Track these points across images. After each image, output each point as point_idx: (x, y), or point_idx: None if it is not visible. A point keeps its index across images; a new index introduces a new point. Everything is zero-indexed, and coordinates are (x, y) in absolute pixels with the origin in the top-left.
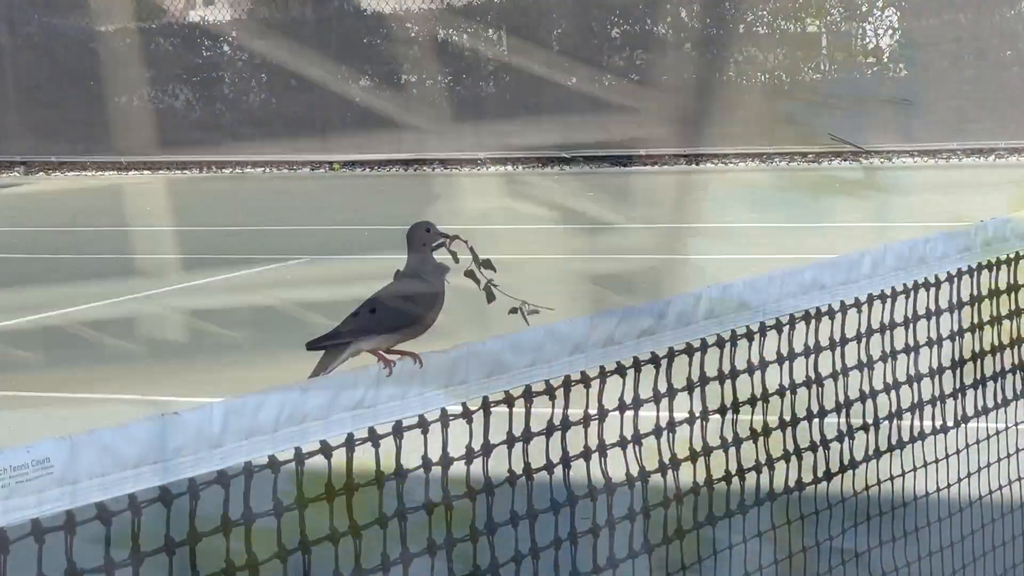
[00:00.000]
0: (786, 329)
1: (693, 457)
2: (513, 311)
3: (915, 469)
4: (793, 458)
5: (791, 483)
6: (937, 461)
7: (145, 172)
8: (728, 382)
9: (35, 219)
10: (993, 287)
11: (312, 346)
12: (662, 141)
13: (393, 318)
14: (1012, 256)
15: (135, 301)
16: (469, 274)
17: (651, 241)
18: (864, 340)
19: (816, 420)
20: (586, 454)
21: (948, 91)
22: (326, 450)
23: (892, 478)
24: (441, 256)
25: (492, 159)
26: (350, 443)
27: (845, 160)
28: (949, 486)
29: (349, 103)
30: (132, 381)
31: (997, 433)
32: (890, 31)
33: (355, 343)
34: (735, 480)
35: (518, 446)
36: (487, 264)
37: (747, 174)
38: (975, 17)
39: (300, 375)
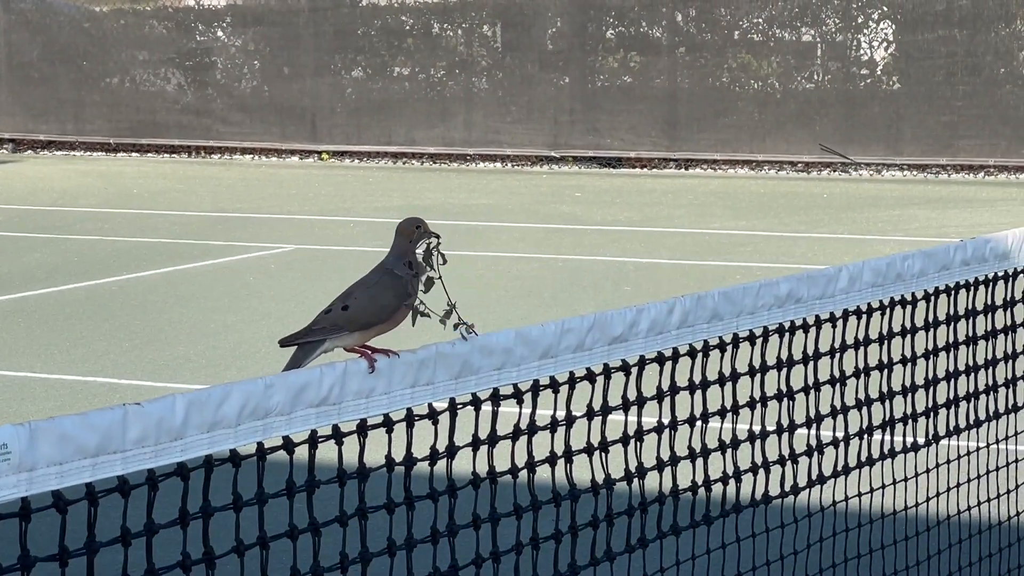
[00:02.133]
0: (759, 342)
1: (660, 467)
2: (456, 327)
3: (884, 487)
4: (761, 471)
5: (758, 496)
6: (907, 479)
7: (134, 154)
8: (698, 392)
9: (22, 197)
10: (970, 307)
11: (285, 342)
12: (652, 144)
13: (368, 315)
14: (990, 277)
15: (116, 284)
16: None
17: (634, 244)
18: (838, 355)
19: (786, 434)
20: (552, 459)
21: (940, 106)
22: (288, 446)
23: (860, 494)
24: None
25: (481, 155)
26: (313, 440)
27: (834, 171)
28: (917, 504)
29: (341, 94)
30: (105, 365)
31: (969, 453)
32: (884, 43)
33: (329, 340)
34: (701, 491)
35: (483, 449)
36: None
37: (736, 181)
38: (970, 33)
39: (277, 365)
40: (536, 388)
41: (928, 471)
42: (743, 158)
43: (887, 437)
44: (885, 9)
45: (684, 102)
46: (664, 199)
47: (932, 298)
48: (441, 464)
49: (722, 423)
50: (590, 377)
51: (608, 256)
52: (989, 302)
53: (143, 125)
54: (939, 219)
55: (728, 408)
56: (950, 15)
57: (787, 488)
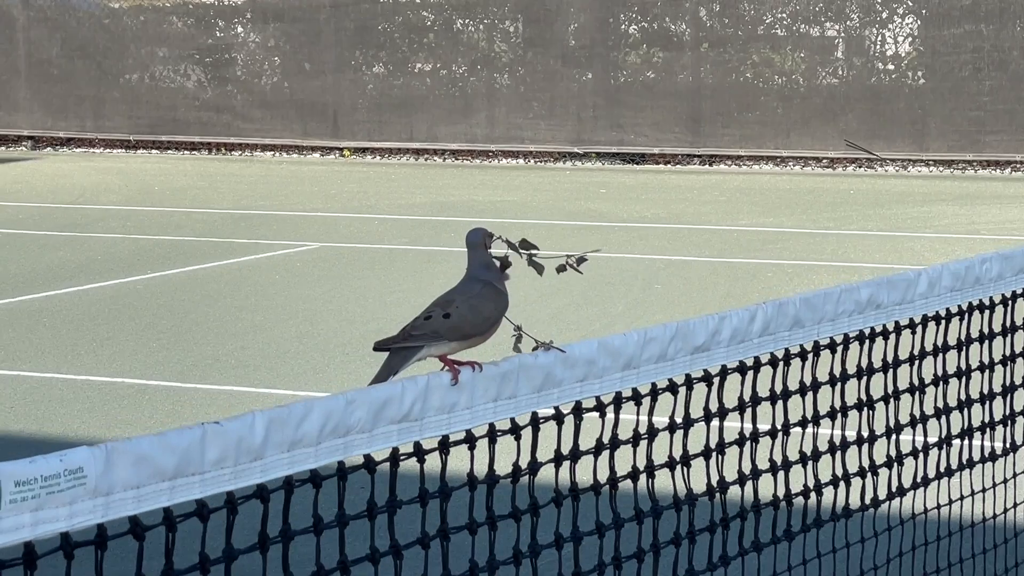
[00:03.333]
0: (839, 349)
1: (741, 480)
2: (560, 269)
3: (962, 498)
4: (842, 483)
5: (838, 509)
6: (984, 490)
7: (154, 151)
8: (779, 402)
9: (43, 195)
10: None
11: (380, 346)
12: (676, 140)
13: (469, 325)
14: None
15: (141, 283)
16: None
17: (662, 241)
18: (917, 362)
19: (866, 445)
20: (634, 474)
21: (966, 101)
22: (370, 465)
23: (939, 506)
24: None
25: (503, 152)
26: (395, 458)
27: (860, 167)
28: (995, 516)
29: (362, 90)
30: (134, 365)
31: None
32: (909, 38)
33: (426, 348)
34: (783, 505)
35: (565, 464)
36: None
37: (761, 177)
38: (996, 28)
39: (306, 366)
40: (618, 400)
41: (1006, 481)
42: (768, 154)
43: (966, 444)
44: (910, 3)
45: (708, 98)
46: (689, 195)
47: (1010, 302)
48: (523, 480)
49: (803, 434)
50: (672, 388)
51: (636, 253)
52: None
53: (163, 122)
54: (968, 215)
55: (809, 419)
56: (976, 9)
57: (867, 501)
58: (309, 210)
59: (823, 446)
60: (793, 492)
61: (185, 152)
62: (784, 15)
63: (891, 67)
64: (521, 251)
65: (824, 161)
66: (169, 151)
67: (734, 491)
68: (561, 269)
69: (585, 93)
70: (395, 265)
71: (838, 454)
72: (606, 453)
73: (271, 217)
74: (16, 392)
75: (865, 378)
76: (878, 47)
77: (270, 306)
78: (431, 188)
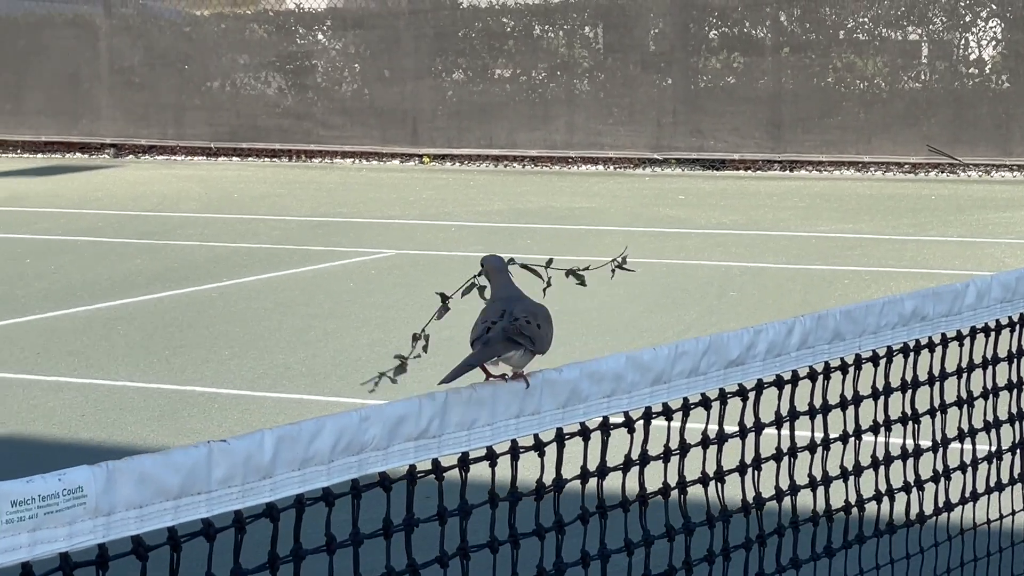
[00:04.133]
0: (883, 362)
1: (778, 496)
2: (569, 273)
3: (1013, 513)
4: (885, 499)
5: (882, 525)
6: None
7: (234, 159)
8: (819, 417)
9: (123, 203)
10: None
11: (478, 360)
12: (756, 146)
13: (546, 343)
14: None
15: (216, 291)
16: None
17: (739, 248)
18: (965, 375)
19: (911, 459)
20: (665, 491)
21: None
22: (385, 483)
23: (989, 521)
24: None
25: (583, 158)
26: (412, 476)
27: (942, 172)
28: None
29: (441, 96)
30: (204, 374)
31: None
32: (993, 42)
33: (518, 353)
34: (822, 521)
35: (592, 481)
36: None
37: (842, 183)
38: None
39: (373, 371)
40: (648, 415)
41: None
42: (849, 159)
43: (1016, 459)
44: (994, 7)
45: (789, 103)
46: (769, 201)
47: None
48: (548, 497)
49: (844, 449)
50: (705, 403)
51: (713, 260)
52: None
53: (243, 129)
54: None
55: (850, 433)
56: None
57: (913, 516)
58: (386, 217)
59: (865, 460)
60: (834, 508)
61: (265, 159)
62: (866, 19)
63: (974, 71)
64: (542, 269)
65: (906, 167)
66: (249, 158)
67: (771, 507)
68: (570, 274)
69: (665, 98)
70: (469, 272)
71: (881, 468)
72: (635, 469)
73: (348, 224)
74: (87, 400)
75: (910, 391)
76: (961, 51)
77: (343, 314)
78: (509, 195)
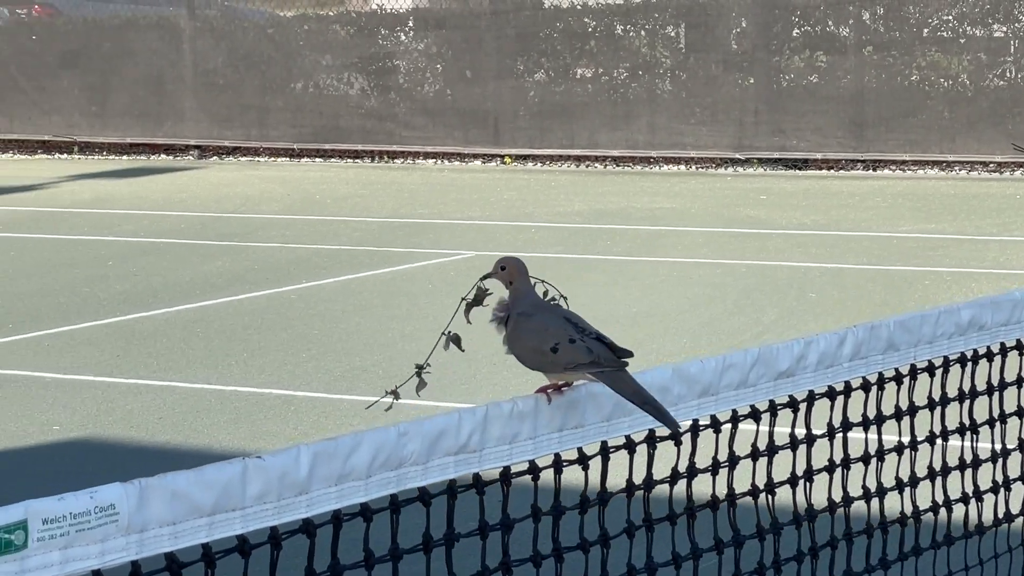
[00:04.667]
0: (939, 372)
1: (832, 507)
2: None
3: None
4: (943, 509)
5: (939, 538)
6: None
7: (317, 160)
8: (872, 428)
9: (206, 204)
10: None
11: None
12: (839, 145)
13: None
14: None
15: (296, 293)
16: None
17: (819, 248)
18: None
19: (969, 470)
20: (713, 504)
21: None
22: (424, 498)
23: None
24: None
25: (665, 158)
26: (452, 491)
27: None
28: None
29: (523, 97)
30: (282, 376)
31: None
32: None
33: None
34: (876, 533)
35: (639, 495)
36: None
37: (925, 182)
38: None
39: (452, 376)
40: (695, 428)
41: None
42: (933, 158)
43: None
44: None
45: (872, 102)
46: (851, 201)
47: None
48: (592, 512)
49: (899, 460)
50: (754, 415)
51: (793, 261)
52: None
53: (326, 130)
54: None
55: (905, 444)
56: None
57: (971, 528)
58: (466, 218)
59: (922, 471)
60: (888, 520)
61: (348, 160)
62: (950, 17)
63: None
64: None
65: (991, 166)
66: (332, 159)
67: (823, 519)
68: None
69: (747, 98)
70: (548, 273)
71: (938, 480)
72: (683, 481)
73: (428, 225)
74: (165, 402)
75: (968, 401)
76: None
77: (421, 316)
78: (590, 195)
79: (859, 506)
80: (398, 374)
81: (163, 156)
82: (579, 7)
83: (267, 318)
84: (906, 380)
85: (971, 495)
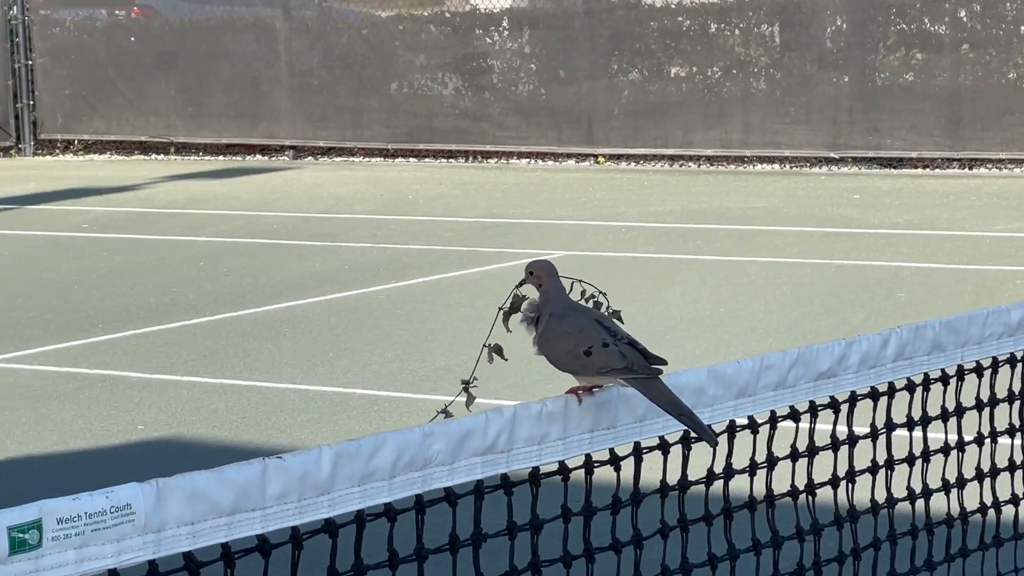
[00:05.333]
0: (987, 373)
1: (874, 510)
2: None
3: None
4: (991, 511)
5: (987, 540)
6: None
7: (411, 160)
8: (918, 428)
9: (299, 205)
10: None
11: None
12: (935, 144)
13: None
14: None
15: (384, 293)
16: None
17: (912, 248)
18: None
19: (1019, 471)
20: (751, 505)
21: None
22: (451, 498)
23: None
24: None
25: (759, 157)
26: (479, 491)
27: None
28: None
29: (617, 96)
30: (366, 376)
31: None
32: None
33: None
34: (921, 535)
35: (673, 495)
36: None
37: (1021, 181)
38: None
39: (535, 377)
40: (732, 429)
41: None
42: None
43: None
44: None
45: (968, 100)
46: (946, 200)
47: None
48: (625, 513)
49: (945, 461)
50: (794, 415)
51: (884, 261)
52: None
53: (420, 130)
54: None
55: (952, 445)
56: None
57: (1022, 529)
58: (558, 218)
59: (969, 472)
60: (934, 522)
61: (441, 160)
62: None
63: None
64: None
65: None
66: (426, 159)
67: (866, 520)
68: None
69: (841, 96)
70: (637, 274)
71: (986, 480)
72: (719, 482)
73: (519, 226)
74: (250, 402)
75: (1018, 403)
76: None
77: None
78: (683, 195)
79: (903, 507)
80: (481, 375)
81: (258, 157)
82: (673, 6)
83: (354, 318)
84: (952, 381)
85: (1021, 496)
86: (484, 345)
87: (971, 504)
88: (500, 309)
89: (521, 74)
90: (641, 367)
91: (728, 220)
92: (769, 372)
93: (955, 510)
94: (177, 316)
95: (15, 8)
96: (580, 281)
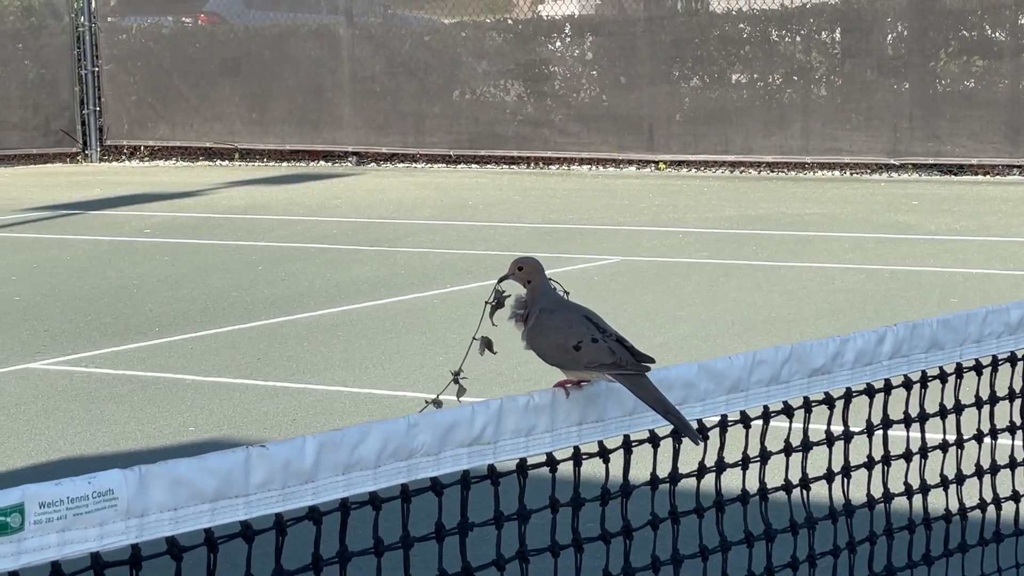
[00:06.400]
0: (987, 372)
1: (870, 505)
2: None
3: None
4: (991, 507)
5: (987, 536)
6: None
7: (473, 166)
8: (915, 425)
9: (360, 210)
10: None
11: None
12: (995, 151)
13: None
14: None
15: (439, 298)
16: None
17: (967, 254)
18: None
19: (1021, 468)
20: (743, 498)
21: None
22: (437, 488)
23: None
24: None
25: (819, 164)
26: (466, 481)
27: None
28: None
29: (678, 102)
30: (417, 379)
31: None
32: None
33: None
34: (919, 530)
35: (664, 488)
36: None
37: None
38: None
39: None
40: (724, 424)
41: None
42: None
43: None
44: None
45: None
46: (1004, 207)
47: None
48: (614, 505)
49: (943, 458)
50: (787, 411)
51: (938, 267)
52: None
53: (482, 137)
54: None
55: (951, 442)
56: None
57: (1023, 526)
58: (615, 224)
59: (968, 469)
60: (933, 517)
61: (503, 166)
62: None
63: None
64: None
65: None
66: (488, 165)
67: (862, 515)
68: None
69: (902, 103)
70: (691, 279)
71: (986, 477)
72: (710, 476)
73: (577, 231)
74: (300, 404)
75: (1019, 400)
76: None
77: None
78: (742, 201)
79: (901, 503)
80: (532, 378)
81: (321, 163)
82: (734, 13)
83: (408, 322)
84: (951, 379)
85: (1022, 493)
86: (474, 338)
87: (970, 500)
88: (487, 303)
89: (583, 80)
90: (629, 364)
91: (784, 226)
92: (761, 367)
93: (954, 506)
94: (233, 320)
95: (83, 16)
96: (558, 283)
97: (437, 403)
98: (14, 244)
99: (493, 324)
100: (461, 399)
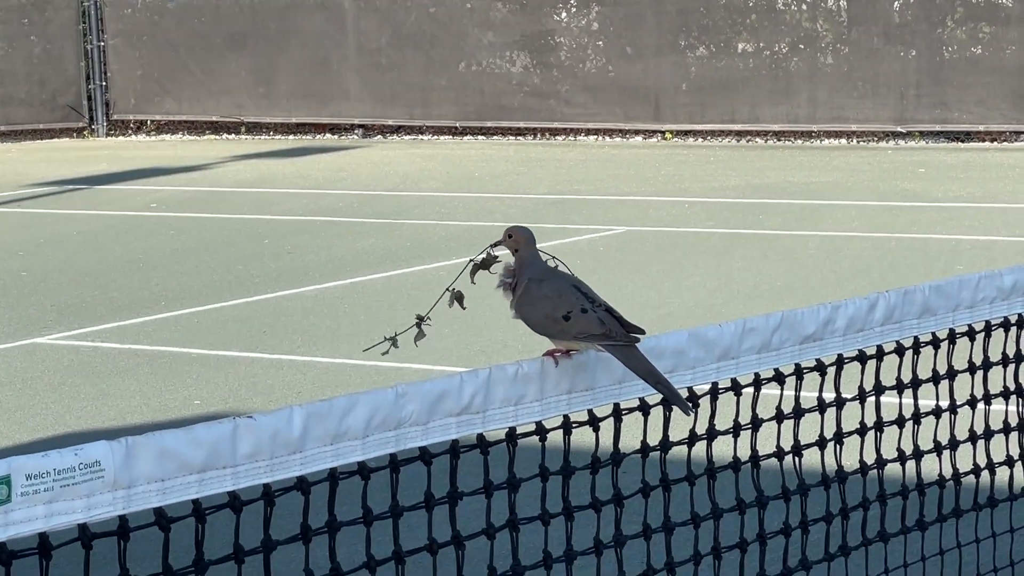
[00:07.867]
0: (980, 337)
1: (863, 471)
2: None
3: None
4: (985, 472)
5: (981, 501)
6: None
7: (480, 138)
8: (908, 391)
9: (365, 183)
10: None
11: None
12: (1002, 118)
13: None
14: None
15: (444, 269)
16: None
17: (972, 221)
18: None
19: (1014, 433)
20: (735, 465)
21: None
22: (425, 457)
23: None
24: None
25: (826, 132)
26: (455, 450)
27: None
28: None
29: (684, 72)
30: (422, 351)
31: None
32: None
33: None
34: (912, 495)
35: (654, 455)
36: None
37: None
38: None
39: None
40: (715, 392)
41: None
42: None
43: None
44: None
45: None
46: (1011, 174)
47: None
48: (605, 473)
49: (937, 423)
50: (779, 378)
51: (944, 234)
52: None
53: (488, 108)
54: None
55: (944, 408)
56: None
57: (1017, 490)
58: (622, 194)
59: (962, 435)
60: (926, 483)
61: (510, 138)
62: None
63: None
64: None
65: None
66: (495, 137)
67: (854, 481)
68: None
69: (909, 71)
70: (697, 248)
71: (980, 442)
72: (701, 444)
73: (583, 202)
74: (306, 377)
75: (1013, 365)
76: None
77: None
78: (748, 170)
79: (894, 468)
80: (537, 349)
81: (328, 136)
82: None
83: (414, 294)
84: (944, 344)
85: (1016, 458)
86: (447, 289)
87: (964, 466)
88: (471, 261)
89: (589, 51)
90: (619, 335)
91: (791, 195)
92: (752, 335)
93: (947, 472)
94: (239, 293)
95: None
96: (553, 257)
97: (394, 343)
98: (21, 219)
99: (472, 282)
100: (418, 343)
